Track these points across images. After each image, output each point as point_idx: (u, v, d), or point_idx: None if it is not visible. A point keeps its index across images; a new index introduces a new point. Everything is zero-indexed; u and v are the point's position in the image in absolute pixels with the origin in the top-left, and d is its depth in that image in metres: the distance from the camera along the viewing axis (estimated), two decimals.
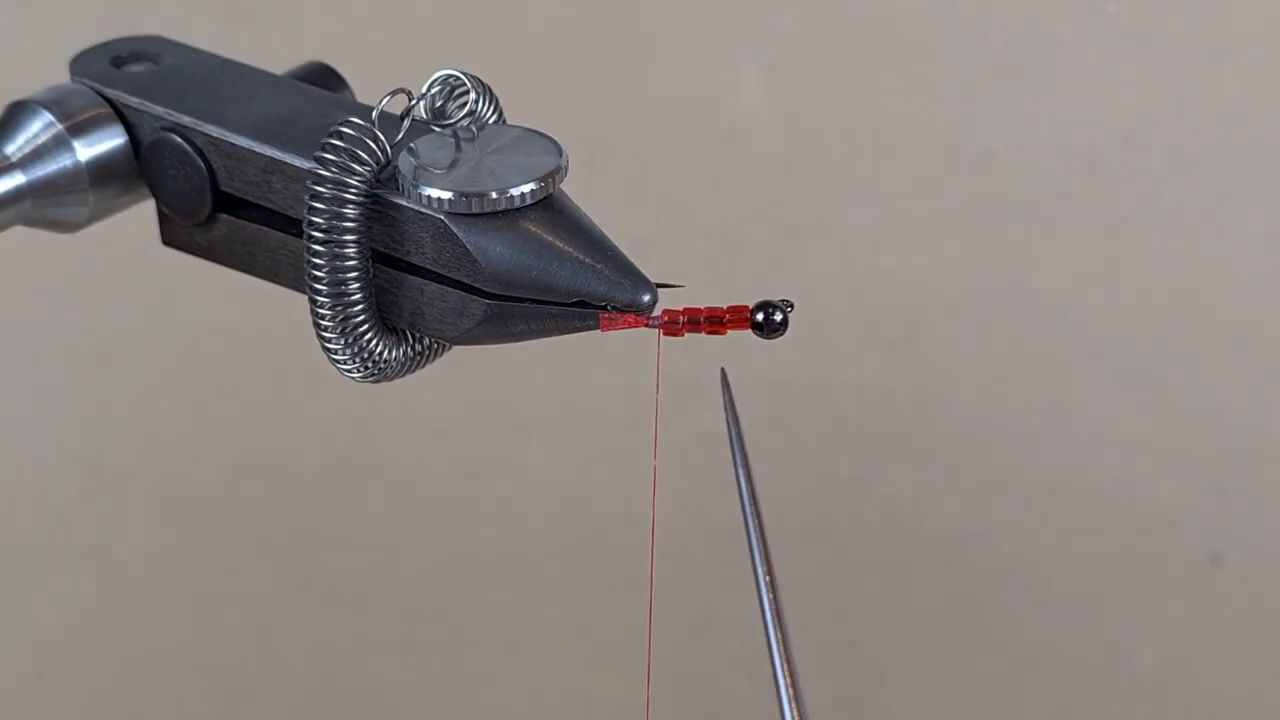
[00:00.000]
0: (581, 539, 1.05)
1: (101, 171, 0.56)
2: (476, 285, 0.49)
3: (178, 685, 1.05)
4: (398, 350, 0.52)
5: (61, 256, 1.07)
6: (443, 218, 0.48)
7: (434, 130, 0.50)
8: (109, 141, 0.56)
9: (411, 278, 0.50)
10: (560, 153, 0.50)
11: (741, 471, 0.50)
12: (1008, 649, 1.04)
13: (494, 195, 0.48)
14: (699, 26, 1.10)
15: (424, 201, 0.48)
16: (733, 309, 0.50)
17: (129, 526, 1.06)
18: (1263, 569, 1.04)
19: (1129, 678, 1.04)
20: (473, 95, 0.50)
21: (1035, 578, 1.05)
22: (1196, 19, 1.08)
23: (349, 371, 0.51)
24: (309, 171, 0.49)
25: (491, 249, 0.48)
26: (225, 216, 0.54)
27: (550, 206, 0.49)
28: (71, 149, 0.55)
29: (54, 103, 0.56)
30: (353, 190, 0.48)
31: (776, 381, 1.06)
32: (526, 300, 0.49)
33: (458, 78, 0.50)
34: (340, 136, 0.48)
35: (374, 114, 0.49)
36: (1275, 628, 1.04)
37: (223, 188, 0.54)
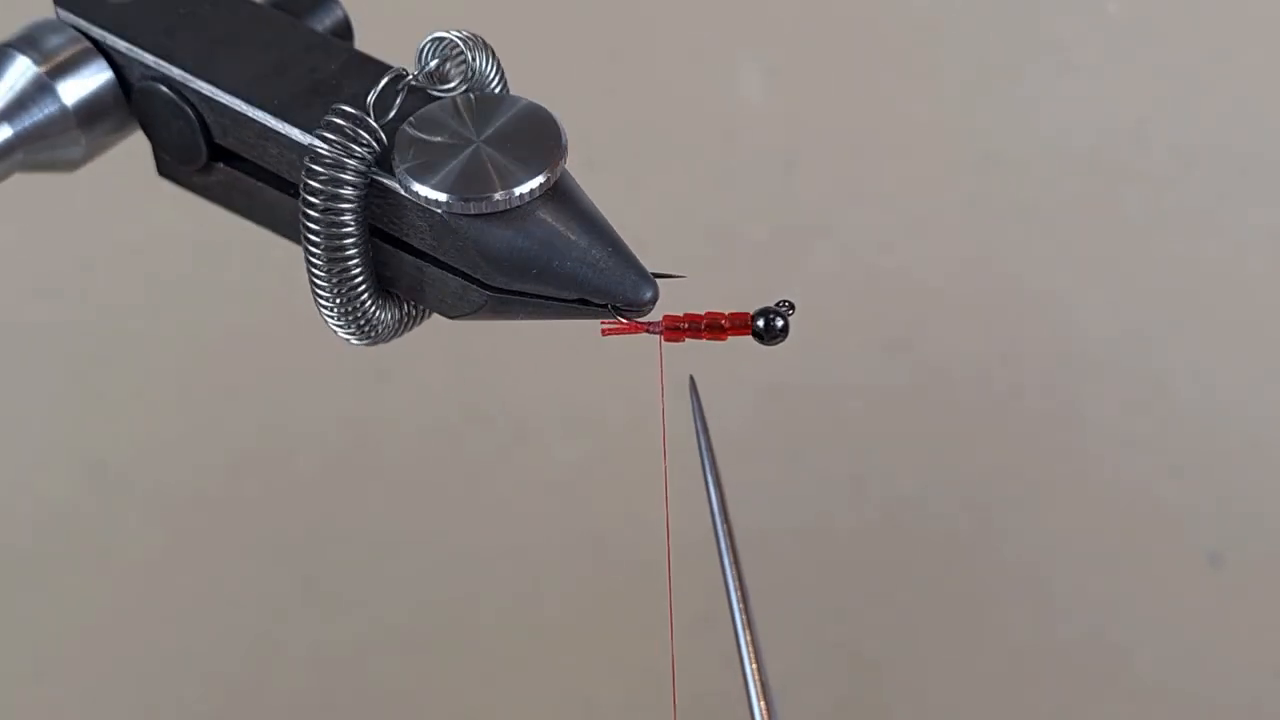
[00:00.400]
0: (582, 539, 1.05)
1: (90, 112, 0.53)
2: (475, 277, 0.49)
3: (178, 685, 1.05)
4: (392, 313, 0.51)
5: (62, 257, 1.07)
6: (441, 212, 0.48)
7: (432, 96, 0.49)
8: (93, 80, 0.53)
9: (411, 257, 0.50)
10: (561, 135, 0.48)
11: (711, 479, 0.50)
12: (1008, 649, 1.04)
13: (496, 197, 0.47)
14: (699, 26, 1.10)
15: (421, 199, 0.47)
16: (733, 315, 0.50)
17: (130, 527, 1.06)
18: (1263, 569, 1.04)
19: (1129, 678, 1.04)
20: (468, 57, 0.49)
21: (1035, 578, 1.05)
22: (1196, 19, 1.08)
23: (342, 332, 0.51)
24: (304, 150, 0.48)
25: (492, 246, 0.48)
26: (222, 166, 0.53)
27: (551, 198, 0.48)
28: (55, 93, 0.52)
29: (30, 44, 0.52)
30: (348, 185, 0.48)
31: (776, 382, 1.06)
32: (527, 295, 0.49)
33: (451, 41, 0.49)
34: (332, 128, 0.47)
35: (369, 100, 0.48)
36: (1275, 628, 1.04)
37: (217, 140, 0.52)
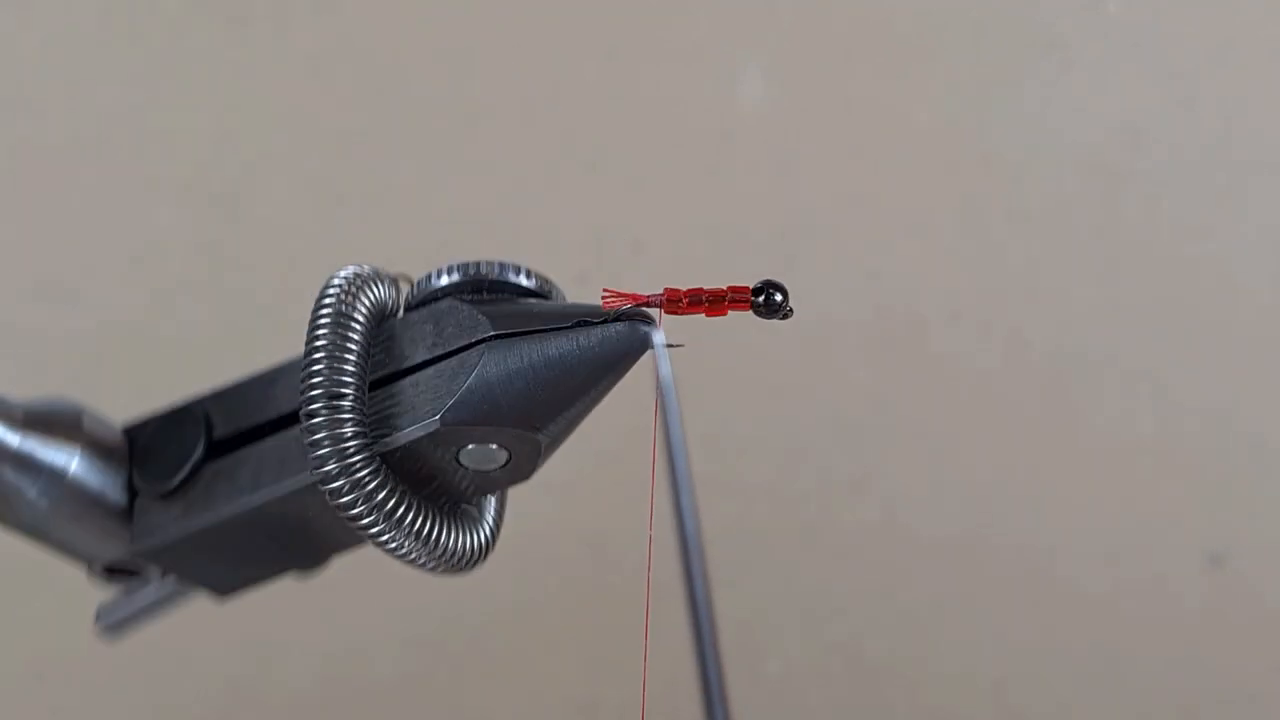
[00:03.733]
0: (581, 541, 1.05)
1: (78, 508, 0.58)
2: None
3: (177, 684, 1.05)
4: (471, 537, 0.54)
5: (62, 258, 1.07)
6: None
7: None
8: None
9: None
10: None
11: (678, 464, 0.50)
12: (1008, 649, 1.04)
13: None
14: (699, 27, 1.10)
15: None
16: (734, 289, 0.50)
17: None
18: (1263, 569, 1.04)
19: (1129, 677, 1.04)
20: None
21: (1035, 577, 1.05)
22: (1196, 19, 1.08)
23: (439, 571, 0.53)
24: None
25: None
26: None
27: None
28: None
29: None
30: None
31: (777, 382, 1.06)
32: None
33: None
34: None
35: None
36: (1275, 628, 1.04)
37: None
